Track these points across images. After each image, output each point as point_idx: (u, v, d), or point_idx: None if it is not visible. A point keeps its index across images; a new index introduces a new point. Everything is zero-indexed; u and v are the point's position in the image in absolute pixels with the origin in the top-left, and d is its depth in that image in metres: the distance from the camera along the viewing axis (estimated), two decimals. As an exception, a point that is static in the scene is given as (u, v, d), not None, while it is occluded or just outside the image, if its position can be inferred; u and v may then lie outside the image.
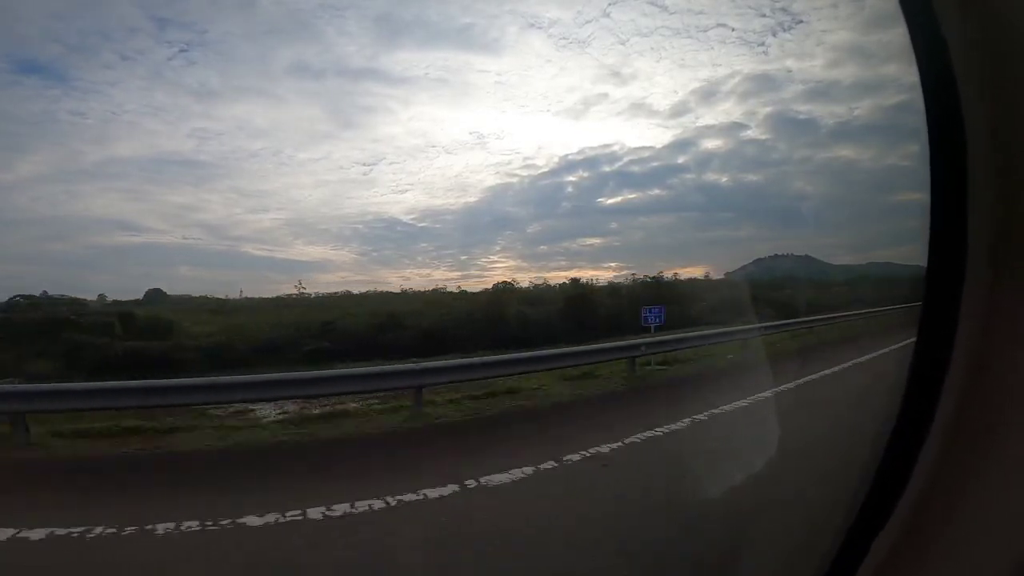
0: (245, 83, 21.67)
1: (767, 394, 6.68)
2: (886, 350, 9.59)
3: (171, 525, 3.44)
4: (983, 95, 0.86)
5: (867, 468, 1.07)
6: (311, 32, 20.76)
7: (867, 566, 1.03)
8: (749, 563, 2.35)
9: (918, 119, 0.94)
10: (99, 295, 17.00)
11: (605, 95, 24.08)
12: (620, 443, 5.10)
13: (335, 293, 19.58)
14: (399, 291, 20.38)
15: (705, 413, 6.08)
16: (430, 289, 20.68)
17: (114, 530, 3.39)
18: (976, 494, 0.90)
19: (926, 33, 0.90)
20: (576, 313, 17.99)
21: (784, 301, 16.65)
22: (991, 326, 0.89)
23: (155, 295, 18.11)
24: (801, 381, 7.77)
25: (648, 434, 5.39)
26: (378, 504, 3.74)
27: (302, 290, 18.13)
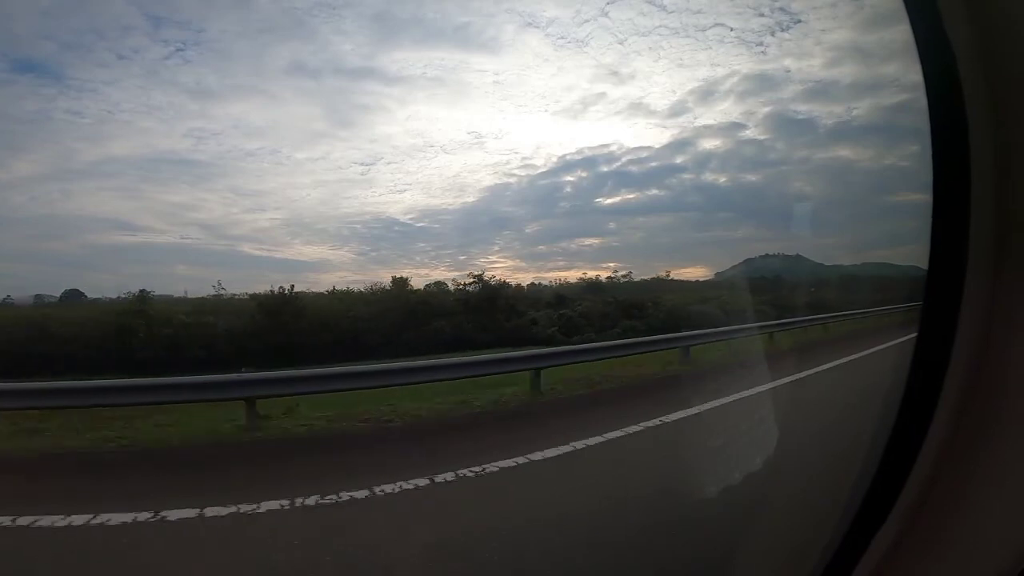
0: (241, 82, 21.59)
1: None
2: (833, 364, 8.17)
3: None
4: (986, 93, 0.86)
5: (869, 463, 1.08)
6: (307, 31, 20.75)
7: (867, 561, 1.04)
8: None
9: (918, 119, 0.94)
10: (6, 296, 16.49)
11: (603, 95, 24.17)
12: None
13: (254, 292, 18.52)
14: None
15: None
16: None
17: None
18: (977, 489, 0.92)
19: (930, 32, 0.90)
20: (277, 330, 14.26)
21: (764, 302, 15.38)
22: (992, 321, 0.90)
23: (72, 295, 17.80)
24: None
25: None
26: None
27: (221, 291, 17.66)
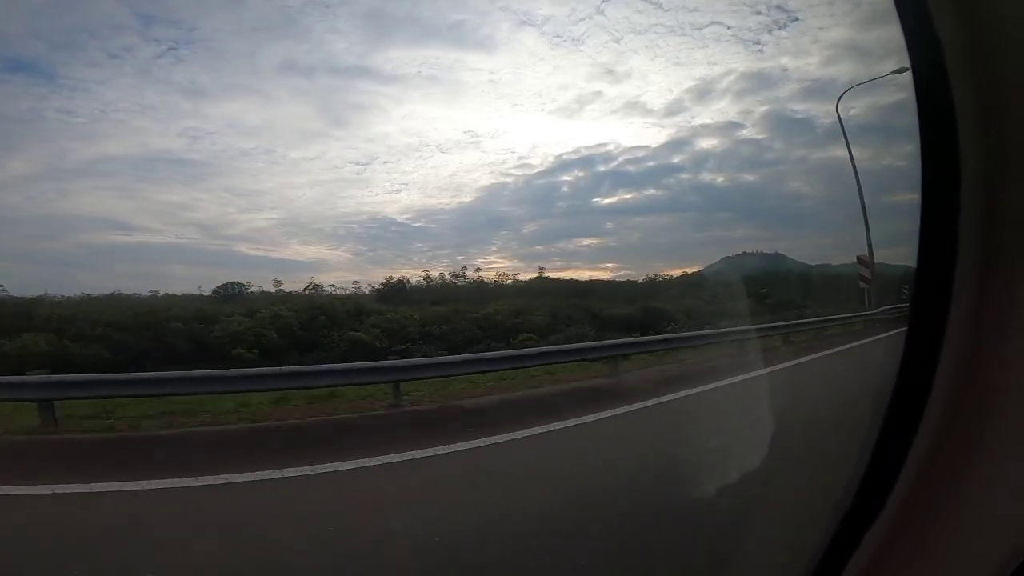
0: (235, 81, 21.37)
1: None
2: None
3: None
4: (976, 91, 0.86)
5: (858, 464, 1.08)
6: (301, 29, 20.58)
7: (857, 561, 1.04)
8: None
9: (915, 118, 0.94)
10: None
11: (599, 93, 24.17)
12: None
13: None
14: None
15: None
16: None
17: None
18: (966, 489, 0.92)
19: (920, 32, 0.90)
20: None
21: (696, 305, 13.79)
22: (982, 319, 0.90)
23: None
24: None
25: None
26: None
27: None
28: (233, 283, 17.65)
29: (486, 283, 18.13)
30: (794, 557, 1.29)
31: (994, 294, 0.88)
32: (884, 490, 1.00)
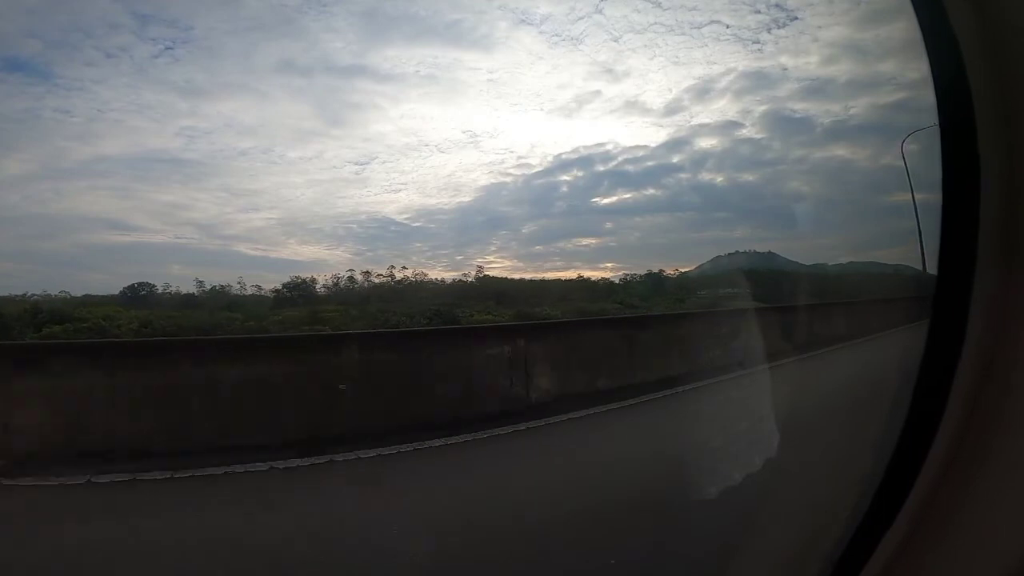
0: (232, 80, 21.23)
1: None
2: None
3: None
4: (994, 88, 0.86)
5: (877, 466, 1.07)
6: (297, 28, 20.55)
7: (875, 562, 1.04)
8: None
9: (915, 118, 0.96)
10: None
11: (598, 93, 24.19)
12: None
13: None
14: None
15: None
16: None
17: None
18: (987, 487, 0.91)
19: (936, 28, 0.90)
20: None
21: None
22: (1002, 322, 0.89)
23: None
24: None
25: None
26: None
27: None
28: (142, 283, 17.03)
29: (400, 283, 17.82)
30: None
31: (1015, 291, 0.88)
32: (905, 488, 0.99)
